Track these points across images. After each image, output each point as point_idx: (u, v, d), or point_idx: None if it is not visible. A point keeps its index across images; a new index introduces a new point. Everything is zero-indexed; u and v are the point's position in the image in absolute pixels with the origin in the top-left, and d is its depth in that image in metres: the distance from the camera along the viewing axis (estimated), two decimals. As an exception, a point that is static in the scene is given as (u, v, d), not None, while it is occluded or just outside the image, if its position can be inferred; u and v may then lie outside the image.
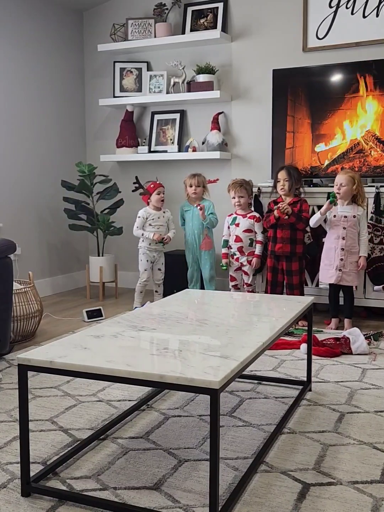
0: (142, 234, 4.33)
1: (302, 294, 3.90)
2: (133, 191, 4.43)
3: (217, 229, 4.33)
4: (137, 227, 4.35)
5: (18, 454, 2.07)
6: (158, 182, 4.38)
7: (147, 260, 4.39)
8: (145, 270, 4.39)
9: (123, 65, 5.06)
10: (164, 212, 4.42)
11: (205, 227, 4.28)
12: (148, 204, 4.40)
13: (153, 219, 4.35)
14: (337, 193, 3.68)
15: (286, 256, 3.88)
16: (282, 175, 3.89)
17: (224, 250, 4.15)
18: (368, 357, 3.19)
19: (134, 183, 4.40)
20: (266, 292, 4.00)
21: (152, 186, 4.36)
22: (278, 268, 3.93)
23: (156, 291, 4.50)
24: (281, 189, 3.88)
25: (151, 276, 4.45)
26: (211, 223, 4.25)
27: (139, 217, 4.36)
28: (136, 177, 4.41)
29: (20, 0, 4.59)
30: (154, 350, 1.86)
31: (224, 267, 4.13)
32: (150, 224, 4.35)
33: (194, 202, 4.35)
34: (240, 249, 4.07)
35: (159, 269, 4.44)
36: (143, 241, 4.38)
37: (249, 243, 4.06)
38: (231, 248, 4.12)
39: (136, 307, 4.23)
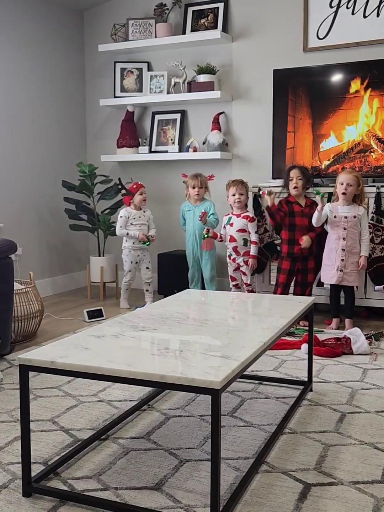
0: (127, 234, 4.36)
1: (311, 292, 3.92)
2: (120, 193, 4.44)
3: (217, 229, 4.32)
4: (121, 226, 4.37)
5: (19, 454, 2.07)
6: (139, 183, 4.41)
7: (132, 261, 4.41)
8: (130, 270, 4.43)
9: (124, 65, 5.06)
10: (144, 211, 4.44)
11: (206, 227, 4.28)
12: (129, 205, 4.41)
13: (134, 219, 4.38)
14: (343, 193, 3.67)
15: (304, 256, 3.89)
16: (295, 173, 3.86)
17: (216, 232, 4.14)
18: (369, 357, 3.19)
19: (117, 185, 4.41)
20: (275, 293, 3.98)
21: (134, 186, 4.38)
22: (294, 269, 3.92)
23: (146, 290, 4.49)
24: (294, 187, 3.86)
25: (139, 275, 4.48)
26: (211, 224, 4.25)
27: (121, 217, 4.39)
28: (119, 179, 4.44)
29: (21, 1, 4.59)
30: (155, 350, 1.86)
31: (205, 236, 4.09)
32: (132, 224, 4.37)
33: (196, 202, 4.35)
34: (235, 249, 4.07)
35: (147, 268, 4.46)
36: (126, 241, 4.41)
37: (243, 242, 4.05)
38: (228, 248, 4.13)
39: (136, 308, 4.23)
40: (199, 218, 4.15)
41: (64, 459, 2.00)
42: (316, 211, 3.71)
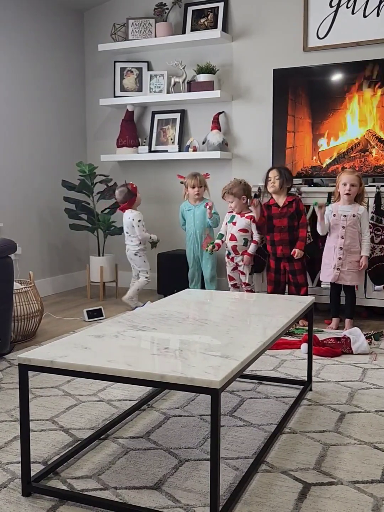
0: (150, 237, 4.41)
1: (307, 290, 3.94)
2: (128, 195, 4.37)
3: (218, 229, 4.32)
4: (145, 230, 4.38)
5: (19, 454, 2.07)
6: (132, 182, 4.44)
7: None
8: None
9: (124, 65, 5.06)
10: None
11: (207, 226, 4.28)
12: (130, 207, 4.38)
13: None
14: (347, 194, 3.66)
15: (287, 257, 3.89)
16: (272, 173, 3.92)
17: (217, 240, 4.14)
18: (368, 357, 3.19)
19: (126, 185, 4.36)
20: (268, 292, 4.00)
21: (135, 186, 4.39)
22: (280, 268, 3.94)
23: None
24: (272, 186, 3.90)
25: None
26: (215, 222, 4.25)
27: (140, 220, 4.34)
28: (125, 182, 4.41)
29: (21, 1, 4.59)
30: (155, 350, 1.86)
31: (208, 250, 4.11)
32: (143, 225, 4.39)
33: (195, 202, 4.35)
34: (234, 248, 4.06)
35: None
36: (140, 243, 4.39)
37: (243, 242, 4.04)
38: (226, 246, 4.12)
39: (136, 307, 4.22)
40: (209, 216, 4.17)
41: (64, 459, 2.00)
42: (318, 224, 3.73)
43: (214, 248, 4.11)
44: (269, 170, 3.97)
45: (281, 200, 3.92)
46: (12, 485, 1.88)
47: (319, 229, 3.76)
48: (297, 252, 3.86)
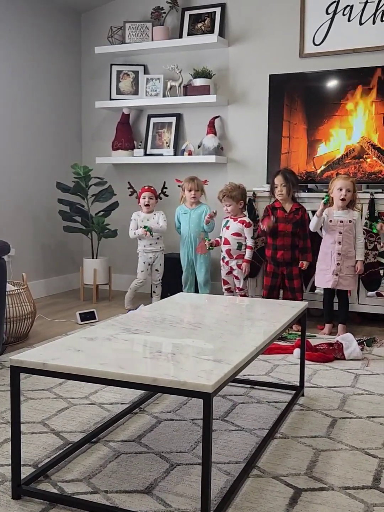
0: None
1: (302, 297, 3.94)
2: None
3: (213, 234, 4.32)
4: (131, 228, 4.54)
5: (9, 456, 2.06)
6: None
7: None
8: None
9: (120, 68, 5.07)
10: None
11: (202, 230, 4.29)
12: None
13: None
14: (342, 199, 3.67)
15: (286, 262, 3.90)
16: (278, 180, 3.89)
17: (217, 239, 4.15)
18: (361, 363, 3.20)
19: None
20: (263, 296, 4.00)
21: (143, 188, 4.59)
22: (278, 273, 3.94)
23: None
24: (279, 193, 3.88)
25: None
26: (211, 226, 4.27)
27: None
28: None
29: (18, 1, 4.59)
30: (148, 353, 1.86)
31: (207, 246, 4.11)
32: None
33: (192, 205, 4.35)
34: (228, 252, 4.06)
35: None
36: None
37: (237, 246, 4.04)
38: (221, 251, 4.12)
39: (129, 310, 4.21)
40: (206, 222, 4.21)
41: (54, 462, 1.99)
42: (315, 216, 3.72)
43: (212, 245, 4.09)
44: (274, 175, 3.93)
45: (287, 205, 3.91)
46: (2, 487, 1.87)
47: (312, 224, 3.76)
48: (305, 264, 3.88)
